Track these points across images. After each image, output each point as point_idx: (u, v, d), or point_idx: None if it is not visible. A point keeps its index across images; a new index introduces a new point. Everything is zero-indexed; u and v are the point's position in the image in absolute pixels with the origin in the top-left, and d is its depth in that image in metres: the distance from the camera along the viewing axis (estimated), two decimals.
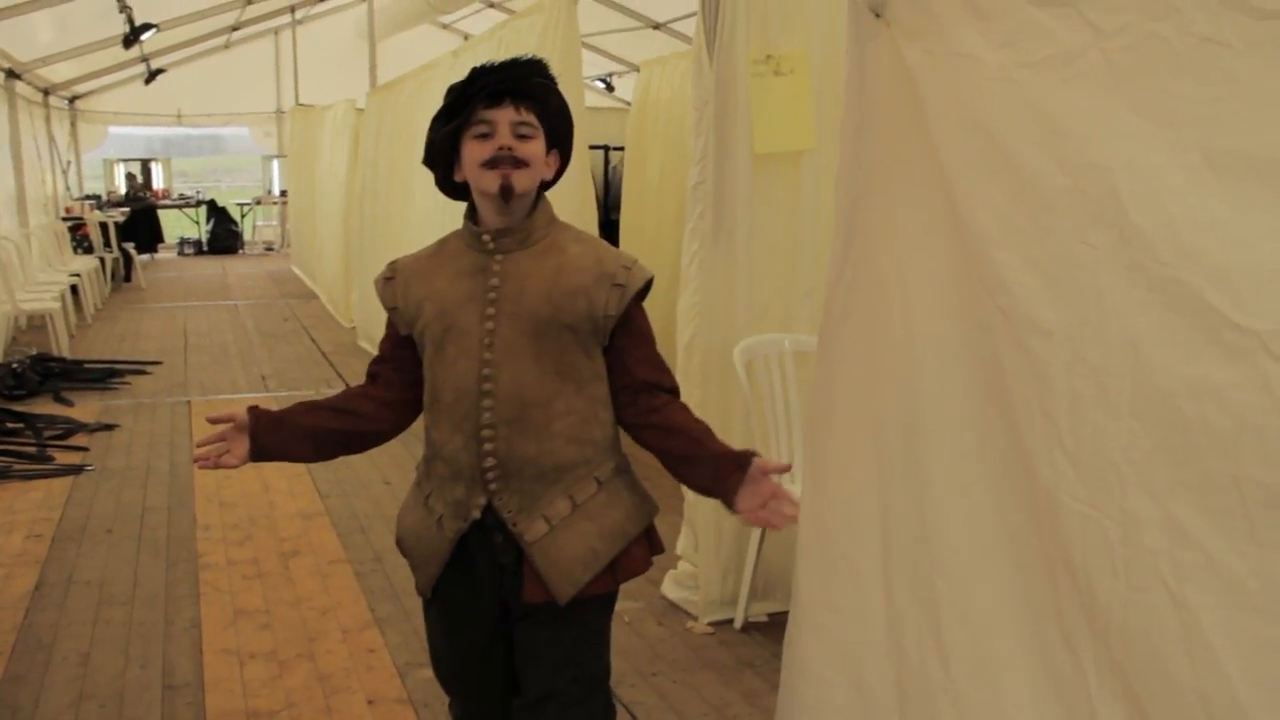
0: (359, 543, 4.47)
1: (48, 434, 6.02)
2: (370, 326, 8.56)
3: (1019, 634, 1.74)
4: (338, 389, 7.53)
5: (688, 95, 4.06)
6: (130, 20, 9.78)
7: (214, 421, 2.01)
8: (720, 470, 1.95)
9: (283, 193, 16.50)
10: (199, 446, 2.01)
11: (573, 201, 4.53)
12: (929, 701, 1.89)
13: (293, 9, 13.84)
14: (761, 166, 3.71)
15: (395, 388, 2.07)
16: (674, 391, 2.03)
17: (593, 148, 7.57)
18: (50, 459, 5.61)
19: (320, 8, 14.20)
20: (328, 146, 10.95)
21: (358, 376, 8.12)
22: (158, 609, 3.83)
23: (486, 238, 1.94)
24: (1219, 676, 1.42)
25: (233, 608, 3.84)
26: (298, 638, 3.59)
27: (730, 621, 3.62)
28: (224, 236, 16.54)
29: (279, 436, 2.01)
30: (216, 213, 16.64)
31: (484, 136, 1.88)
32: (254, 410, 2.01)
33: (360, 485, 5.21)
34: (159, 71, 13.95)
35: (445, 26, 14.15)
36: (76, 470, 5.44)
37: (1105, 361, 1.58)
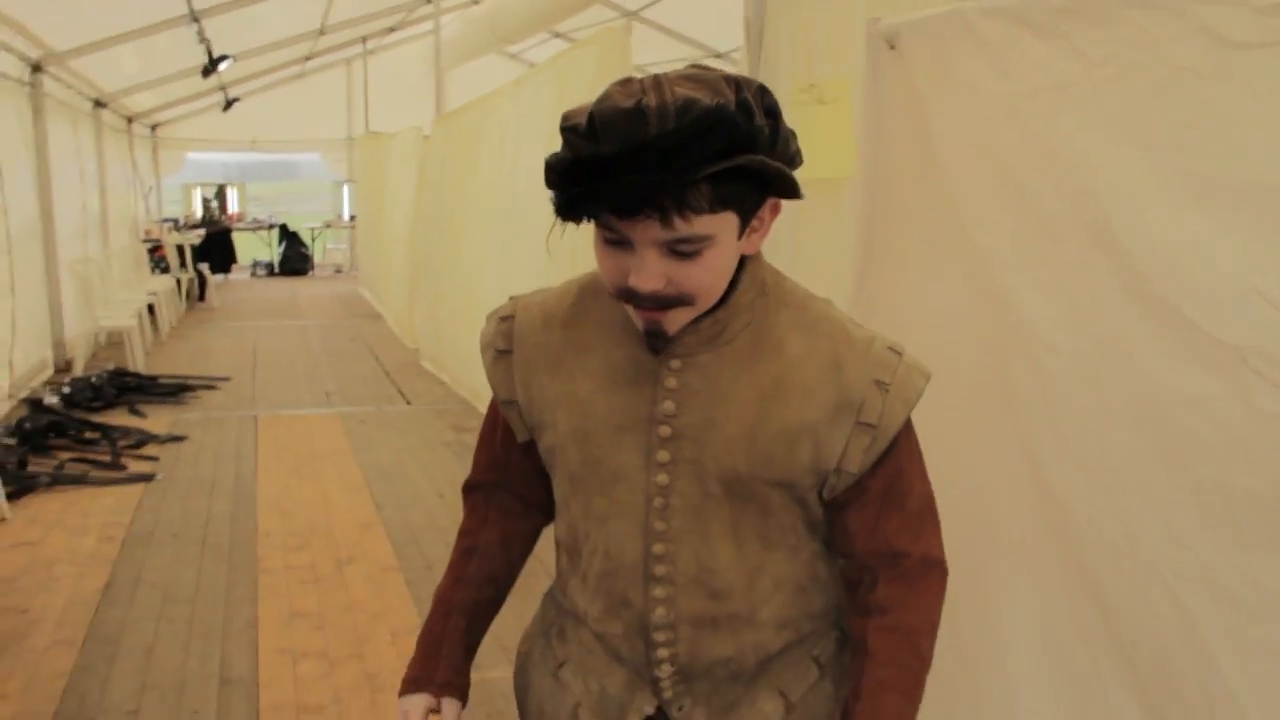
0: (411, 553, 4.62)
1: (122, 444, 6.27)
2: (435, 347, 8.78)
3: (1033, 630, 1.82)
4: (398, 406, 7.85)
5: None
6: (209, 52, 10.21)
7: None
8: None
9: (352, 217, 16.90)
10: None
11: None
12: (947, 697, 1.97)
13: (364, 39, 14.27)
14: (805, 193, 3.81)
15: (522, 510, 1.50)
16: (925, 561, 1.31)
17: None
18: (123, 467, 5.86)
19: (391, 38, 14.62)
20: (395, 172, 11.25)
21: (419, 395, 8.42)
22: (218, 608, 4.01)
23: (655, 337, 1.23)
24: (1217, 675, 1.50)
25: (289, 609, 4.01)
26: (348, 639, 3.74)
27: None
28: (295, 259, 16.97)
29: (463, 663, 1.46)
30: (288, 236, 17.09)
31: (617, 244, 1.15)
32: (449, 694, 1.43)
33: (415, 498, 5.37)
34: (235, 100, 14.47)
35: (512, 56, 14.46)
36: (147, 478, 5.67)
37: (1107, 376, 1.67)
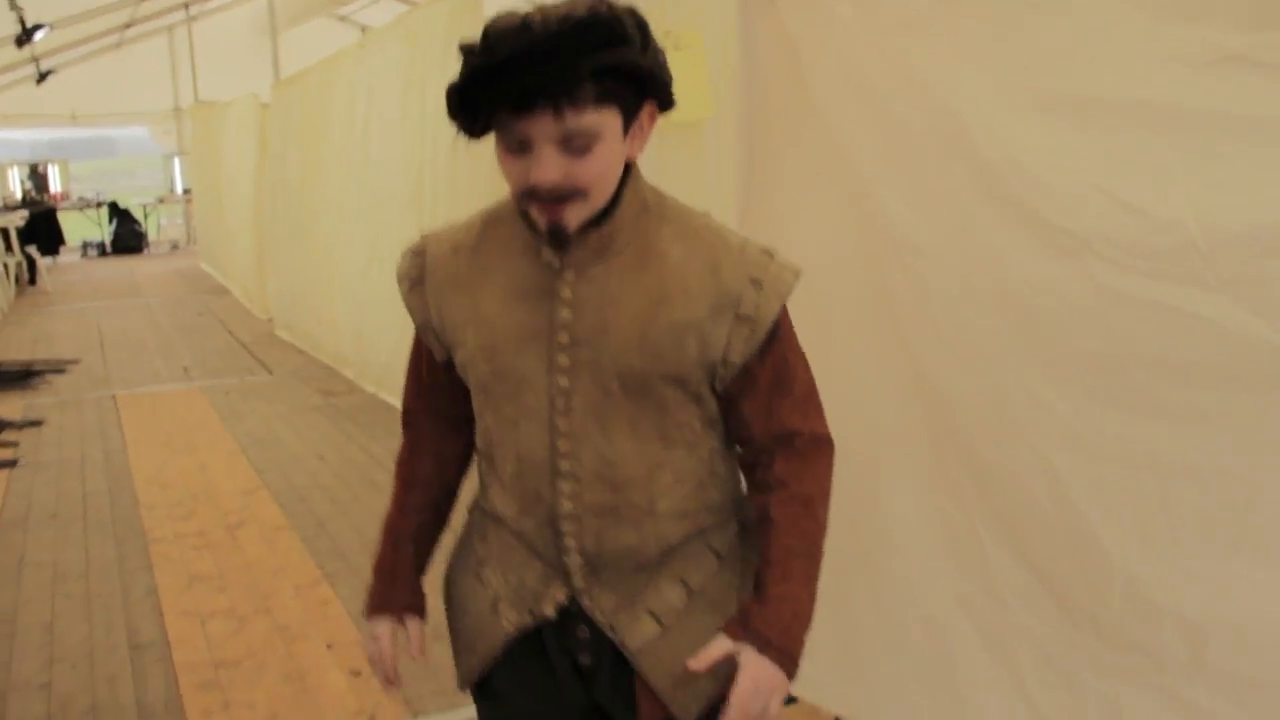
0: (300, 511, 4.66)
1: None
2: (291, 315, 8.68)
3: (918, 503, 2.07)
4: (260, 376, 7.76)
5: None
6: (22, 20, 9.72)
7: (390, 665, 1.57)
8: (747, 622, 1.39)
9: (186, 191, 16.33)
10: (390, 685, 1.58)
11: (488, 178, 4.77)
12: (847, 571, 2.21)
13: (186, 5, 13.75)
14: (665, 137, 4.00)
15: (453, 432, 1.59)
16: (814, 438, 1.45)
17: None
18: None
19: (213, 3, 14.12)
20: (232, 142, 10.97)
21: (279, 364, 8.34)
22: (113, 581, 4.00)
23: (549, 250, 1.36)
24: (1078, 515, 1.77)
25: (186, 574, 4.02)
26: (253, 596, 3.80)
27: None
28: (128, 237, 16.33)
29: (417, 583, 1.60)
30: (119, 213, 16.42)
31: (518, 149, 1.27)
32: (411, 614, 1.58)
33: (294, 461, 5.38)
34: (50, 72, 13.76)
35: (343, 19, 14.17)
36: (10, 464, 5.52)
37: (969, 270, 1.91)
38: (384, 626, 1.56)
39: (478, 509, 1.56)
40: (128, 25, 13.64)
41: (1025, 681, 1.87)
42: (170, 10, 13.73)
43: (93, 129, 17.11)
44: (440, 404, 1.56)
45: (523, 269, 1.38)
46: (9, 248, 12.39)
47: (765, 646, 1.35)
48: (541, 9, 1.21)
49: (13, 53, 11.02)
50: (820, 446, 1.45)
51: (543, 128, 1.23)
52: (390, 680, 1.57)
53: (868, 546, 2.16)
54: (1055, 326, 1.75)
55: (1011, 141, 1.78)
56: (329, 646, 3.38)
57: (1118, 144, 1.67)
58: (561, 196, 1.27)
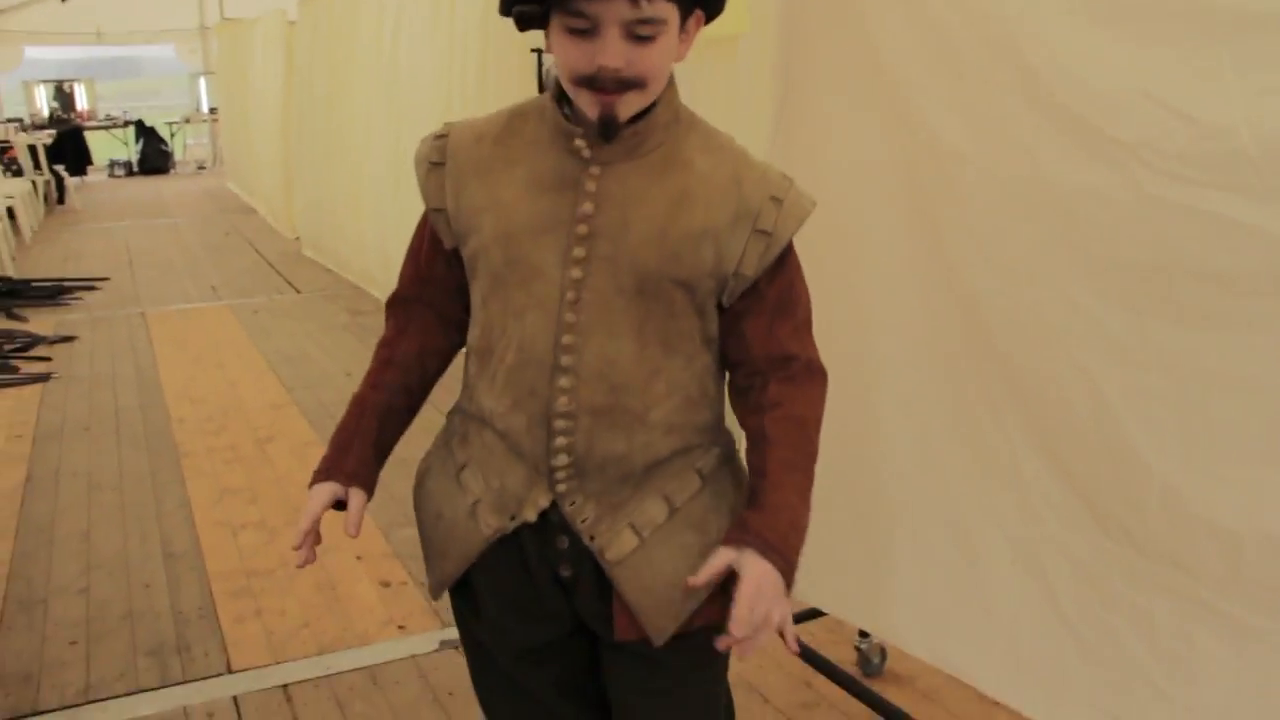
0: (329, 427, 4.62)
1: (7, 347, 6.13)
2: (319, 234, 8.67)
3: (951, 413, 2.05)
4: (288, 295, 7.78)
5: None
6: None
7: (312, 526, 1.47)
8: (746, 528, 1.38)
9: (212, 110, 16.27)
10: (299, 549, 1.47)
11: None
12: (871, 483, 2.21)
13: None
14: (700, 52, 3.93)
15: (439, 327, 1.56)
16: (809, 365, 1.46)
17: (533, 50, 7.69)
18: (15, 369, 5.75)
19: None
20: (259, 61, 10.87)
21: (307, 283, 8.36)
22: (146, 492, 4.06)
23: (581, 142, 1.36)
24: (1115, 423, 1.74)
25: (218, 487, 4.08)
26: (284, 509, 3.84)
27: None
28: (154, 156, 16.31)
29: (370, 459, 1.52)
30: (145, 133, 16.39)
31: (582, 33, 1.26)
32: (355, 485, 1.49)
33: (323, 378, 5.43)
34: None
35: None
36: (44, 378, 5.58)
37: (1011, 176, 1.87)
38: (322, 492, 1.47)
39: (458, 413, 1.54)
40: None
41: (1056, 593, 1.86)
42: None
43: (118, 47, 17.01)
44: (434, 296, 1.54)
45: (549, 160, 1.38)
46: (37, 166, 12.42)
47: (767, 549, 1.34)
48: None
49: None
50: (814, 374, 1.46)
51: (616, 9, 1.23)
52: (302, 546, 1.45)
53: (898, 458, 2.15)
54: (1098, 234, 1.71)
55: (1057, 46, 1.73)
56: (359, 558, 3.43)
57: (1168, 49, 1.61)
58: (624, 84, 1.28)
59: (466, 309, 1.50)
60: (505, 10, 1.32)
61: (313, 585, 3.27)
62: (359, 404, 1.53)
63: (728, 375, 1.49)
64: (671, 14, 1.27)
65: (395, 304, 1.58)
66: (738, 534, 1.36)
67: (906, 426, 2.12)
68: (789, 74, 2.31)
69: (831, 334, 2.25)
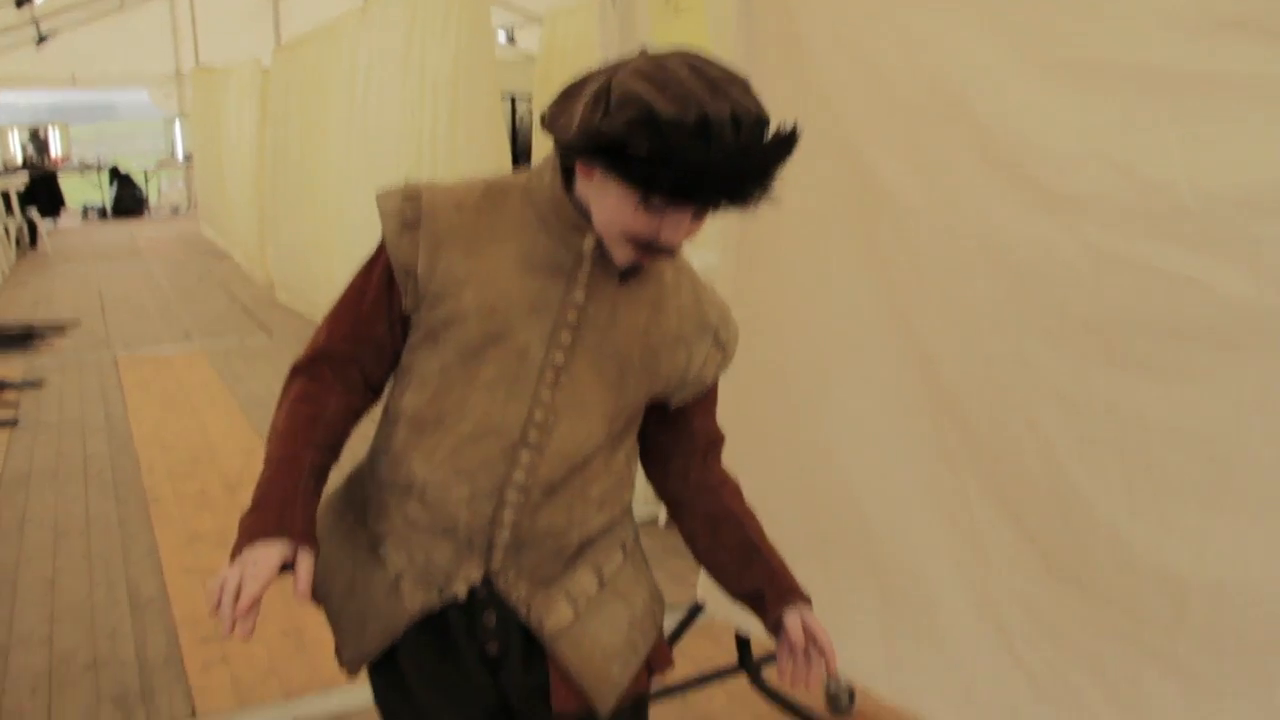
0: None
1: None
2: (292, 279, 8.68)
3: (909, 462, 2.09)
4: (261, 339, 7.76)
5: (593, 43, 4.33)
6: None
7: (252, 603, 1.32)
8: (774, 592, 1.50)
9: (187, 155, 16.29)
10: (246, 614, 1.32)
11: (487, 150, 4.78)
12: (834, 530, 2.24)
13: None
14: None
15: (362, 388, 1.49)
16: (720, 439, 1.61)
17: (506, 97, 7.80)
18: None
19: None
20: (234, 107, 10.92)
21: (279, 326, 8.34)
22: (113, 539, 4.03)
23: (590, 243, 1.37)
24: (1062, 473, 1.79)
25: (187, 532, 4.06)
26: None
27: (654, 521, 3.94)
28: (128, 200, 16.31)
29: (313, 519, 1.41)
30: (119, 177, 16.39)
31: (647, 211, 1.26)
32: (306, 545, 1.36)
33: None
34: (50, 34, 13.68)
35: None
36: (10, 424, 5.55)
37: (964, 232, 1.92)
38: (272, 552, 1.32)
39: (370, 480, 1.50)
40: None
41: (1011, 635, 1.90)
42: None
43: (93, 92, 17.03)
44: (365, 356, 1.45)
45: (541, 243, 1.39)
46: (10, 210, 12.38)
47: (805, 599, 1.49)
48: (744, 98, 1.23)
49: (13, 14, 10.97)
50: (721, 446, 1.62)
51: (685, 220, 1.27)
52: (243, 615, 1.30)
53: (860, 505, 2.18)
54: (1047, 288, 1.77)
55: (1009, 104, 1.79)
56: None
57: (1113, 107, 1.68)
58: (667, 253, 1.34)
59: (388, 374, 1.47)
60: (567, 148, 1.29)
61: (280, 631, 3.26)
62: (294, 462, 1.41)
63: (656, 459, 1.58)
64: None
65: (319, 360, 1.46)
66: (783, 597, 1.49)
67: (868, 475, 2.16)
68: None
69: (792, 385, 2.32)
